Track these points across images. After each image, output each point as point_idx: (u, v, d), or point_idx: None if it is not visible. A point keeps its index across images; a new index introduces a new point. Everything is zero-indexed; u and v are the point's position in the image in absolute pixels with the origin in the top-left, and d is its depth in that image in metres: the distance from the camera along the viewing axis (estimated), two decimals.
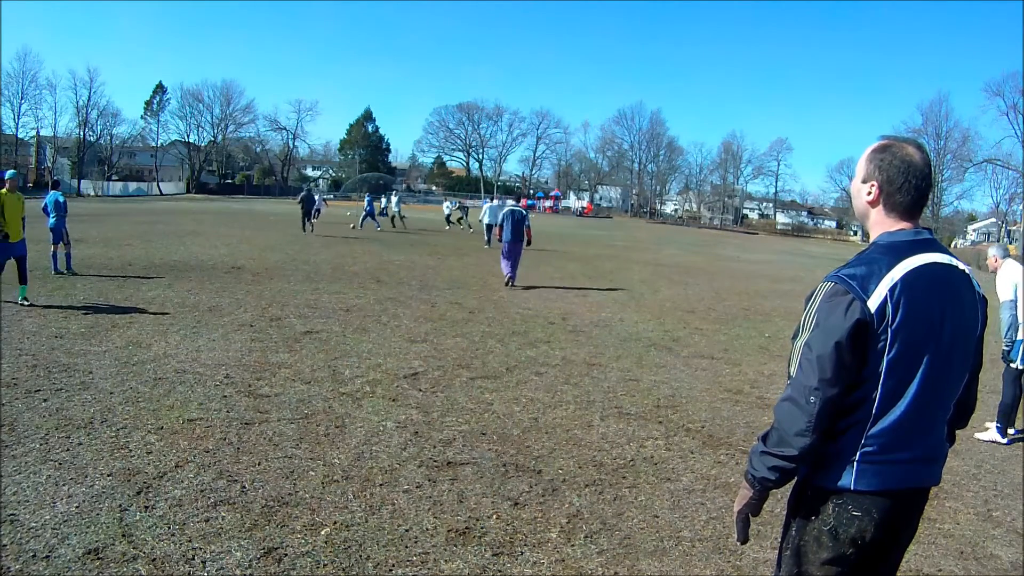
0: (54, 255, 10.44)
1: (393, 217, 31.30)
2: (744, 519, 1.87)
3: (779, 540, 1.92)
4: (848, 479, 1.72)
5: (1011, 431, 5.53)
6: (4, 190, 8.14)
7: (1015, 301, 5.40)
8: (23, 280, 7.99)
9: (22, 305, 7.71)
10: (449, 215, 34.28)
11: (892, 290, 1.65)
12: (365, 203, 27.54)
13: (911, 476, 1.75)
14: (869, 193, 1.81)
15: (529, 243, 12.89)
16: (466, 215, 33.16)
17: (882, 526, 1.73)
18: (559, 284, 13.31)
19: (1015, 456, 5.02)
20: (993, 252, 5.80)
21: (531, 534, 3.28)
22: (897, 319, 1.65)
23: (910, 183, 1.75)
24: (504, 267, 12.50)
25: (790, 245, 51.30)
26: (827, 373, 1.65)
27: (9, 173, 8.57)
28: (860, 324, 1.64)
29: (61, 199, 10.87)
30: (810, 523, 1.79)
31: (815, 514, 1.78)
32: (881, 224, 1.81)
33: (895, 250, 1.73)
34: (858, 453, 1.71)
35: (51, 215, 10.65)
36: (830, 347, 1.65)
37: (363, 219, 26.62)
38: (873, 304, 1.65)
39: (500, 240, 12.84)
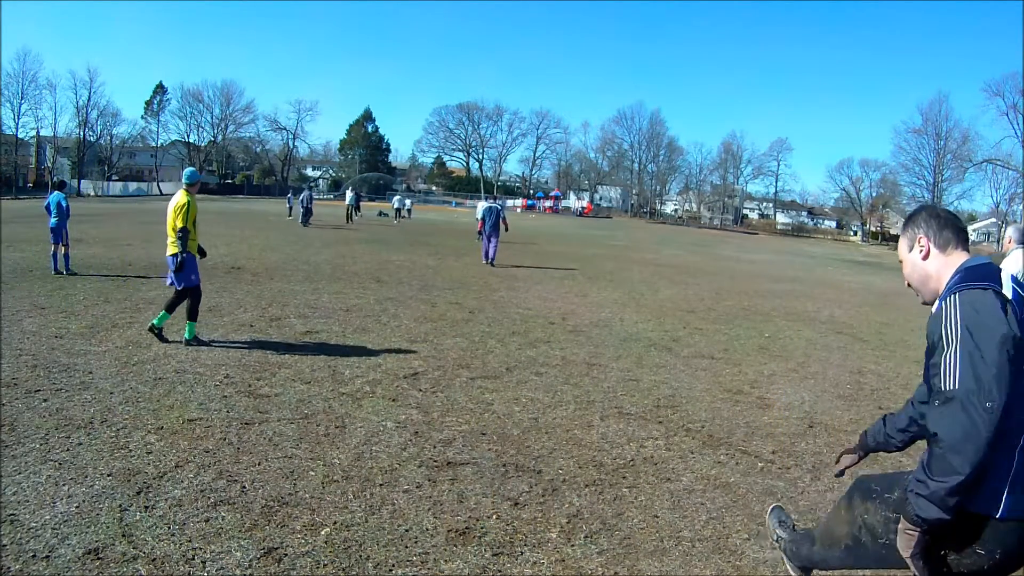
0: (54, 255, 10.45)
1: (398, 212, 33.02)
2: (924, 558, 1.69)
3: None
4: (995, 504, 1.61)
5: None
6: (183, 191, 6.65)
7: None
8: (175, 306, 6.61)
9: (154, 330, 6.51)
10: (399, 208, 37.60)
11: (1017, 284, 1.69)
12: (302, 199, 27.65)
13: None
14: (921, 249, 1.88)
15: (507, 230, 16.99)
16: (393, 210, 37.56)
17: (1011, 554, 1.65)
18: (559, 284, 13.31)
19: None
20: (1010, 232, 5.70)
21: (531, 534, 3.28)
22: None
23: (945, 218, 1.89)
24: (484, 250, 16.05)
25: (790, 245, 51.30)
26: (1003, 371, 1.54)
27: (190, 172, 6.90)
28: (1006, 305, 1.61)
29: (64, 202, 10.89)
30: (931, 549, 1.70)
31: (938, 540, 1.68)
32: (947, 263, 1.83)
33: (984, 264, 1.76)
34: (1012, 472, 1.60)
35: (52, 216, 10.66)
36: (996, 342, 1.56)
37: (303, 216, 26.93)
38: (1008, 294, 1.66)
39: (481, 231, 16.61)
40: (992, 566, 1.67)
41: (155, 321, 6.54)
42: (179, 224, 6.44)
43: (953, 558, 1.69)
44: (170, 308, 6.57)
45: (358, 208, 32.09)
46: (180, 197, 6.58)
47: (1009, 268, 5.39)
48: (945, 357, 1.63)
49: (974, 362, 1.56)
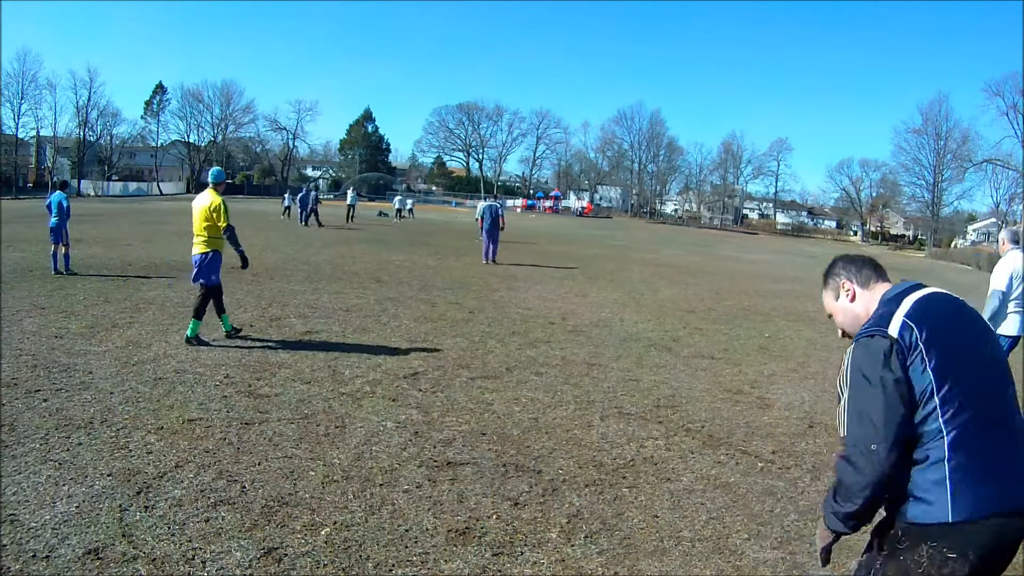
0: (54, 255, 10.45)
1: (398, 213, 32.76)
2: (826, 549, 1.89)
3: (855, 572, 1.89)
4: (944, 510, 1.66)
5: None
6: (211, 191, 6.73)
7: (1005, 293, 5.37)
8: (222, 310, 6.83)
9: (230, 335, 6.80)
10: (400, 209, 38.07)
11: (908, 315, 1.74)
12: (299, 200, 27.23)
13: (1013, 496, 1.68)
14: (847, 293, 1.96)
15: (503, 228, 17.36)
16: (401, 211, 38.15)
17: (978, 566, 1.64)
18: (559, 284, 13.30)
19: None
20: (1003, 235, 5.74)
21: (531, 534, 3.28)
22: (923, 334, 1.71)
23: (860, 260, 2.02)
24: (484, 250, 16.67)
25: (790, 245, 51.29)
26: (891, 413, 1.66)
27: (218, 172, 6.94)
28: (890, 346, 1.71)
29: (65, 202, 10.90)
30: (894, 564, 1.73)
31: (901, 555, 1.71)
32: (873, 297, 1.93)
33: (899, 292, 1.85)
34: (948, 475, 1.66)
35: (53, 215, 10.68)
36: (879, 386, 1.67)
37: (303, 216, 26.50)
38: (894, 330, 1.72)
39: (481, 228, 16.97)
40: (974, 568, 1.65)
41: (224, 328, 6.72)
42: (223, 223, 6.63)
43: (935, 571, 1.67)
44: (197, 313, 6.57)
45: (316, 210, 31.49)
46: (211, 197, 6.64)
47: (1006, 270, 5.42)
48: (840, 407, 1.77)
49: (860, 408, 1.70)
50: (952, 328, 1.76)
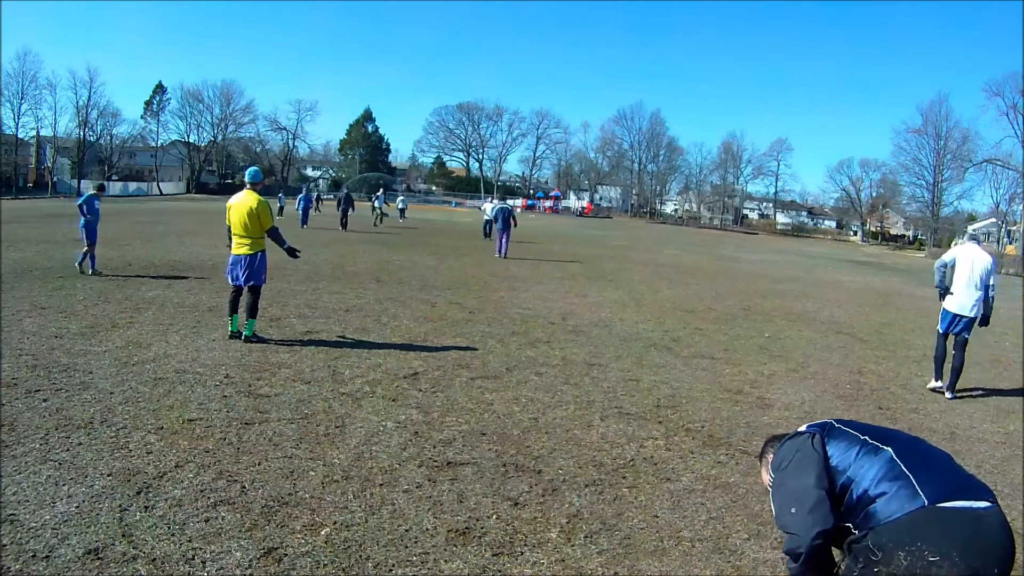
0: (85, 255, 10.53)
1: (378, 216, 31.94)
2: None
3: None
4: (915, 496, 1.71)
5: (937, 382, 6.71)
6: (250, 191, 6.73)
7: (942, 267, 6.75)
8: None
9: (233, 336, 6.74)
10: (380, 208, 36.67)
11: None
12: (300, 201, 27.17)
13: (971, 486, 1.78)
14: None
15: (515, 225, 19.31)
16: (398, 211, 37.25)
17: (965, 547, 1.58)
18: (559, 284, 13.30)
19: (1015, 456, 5.03)
20: (966, 238, 7.14)
21: (531, 534, 3.28)
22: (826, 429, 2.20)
23: (780, 435, 2.40)
24: (496, 246, 18.57)
25: (790, 245, 51.29)
26: (807, 494, 1.91)
27: (256, 171, 6.97)
28: (818, 438, 2.12)
29: (80, 203, 11.04)
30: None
31: (876, 568, 1.67)
32: None
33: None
34: (911, 482, 1.77)
35: (82, 217, 10.81)
36: (796, 468, 2.02)
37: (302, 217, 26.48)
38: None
39: (493, 227, 19.78)
40: (963, 570, 1.57)
41: (246, 332, 6.69)
42: (267, 224, 6.70)
43: None
44: (253, 312, 6.73)
45: (347, 211, 31.15)
46: (250, 197, 6.69)
47: (950, 253, 6.80)
48: (778, 514, 2.02)
49: (780, 494, 2.02)
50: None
